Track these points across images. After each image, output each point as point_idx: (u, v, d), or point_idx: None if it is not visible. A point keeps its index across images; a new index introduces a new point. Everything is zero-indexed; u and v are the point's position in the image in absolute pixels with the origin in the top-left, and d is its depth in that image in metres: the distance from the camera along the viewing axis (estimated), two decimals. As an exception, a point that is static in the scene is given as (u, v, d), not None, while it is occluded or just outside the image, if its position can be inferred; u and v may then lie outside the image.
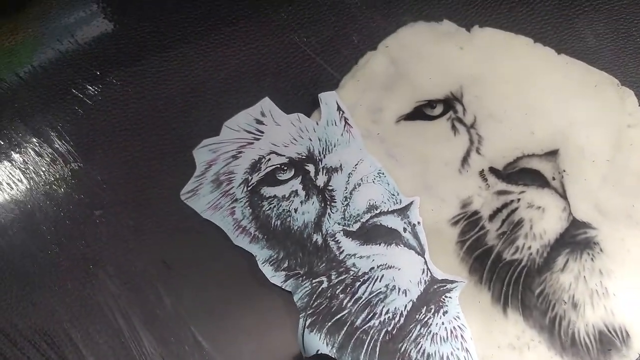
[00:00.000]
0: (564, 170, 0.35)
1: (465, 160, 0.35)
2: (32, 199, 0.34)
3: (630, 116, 0.36)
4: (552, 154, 0.35)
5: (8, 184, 0.34)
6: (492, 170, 0.35)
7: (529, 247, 0.33)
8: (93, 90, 0.36)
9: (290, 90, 0.37)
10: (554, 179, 0.35)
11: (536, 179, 0.35)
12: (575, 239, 0.34)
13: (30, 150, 0.35)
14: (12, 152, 0.35)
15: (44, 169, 0.35)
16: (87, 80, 0.36)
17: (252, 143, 0.35)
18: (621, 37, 0.38)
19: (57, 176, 0.35)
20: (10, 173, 0.35)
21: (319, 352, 0.32)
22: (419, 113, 0.36)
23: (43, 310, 0.32)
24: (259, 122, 0.36)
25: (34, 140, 0.35)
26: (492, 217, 0.34)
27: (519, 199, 0.34)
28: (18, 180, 0.35)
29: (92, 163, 0.35)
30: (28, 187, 0.34)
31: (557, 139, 0.35)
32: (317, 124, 0.36)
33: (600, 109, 0.36)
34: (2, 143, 0.35)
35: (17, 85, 0.36)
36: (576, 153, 0.35)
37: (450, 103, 0.36)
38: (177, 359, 0.32)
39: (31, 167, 0.35)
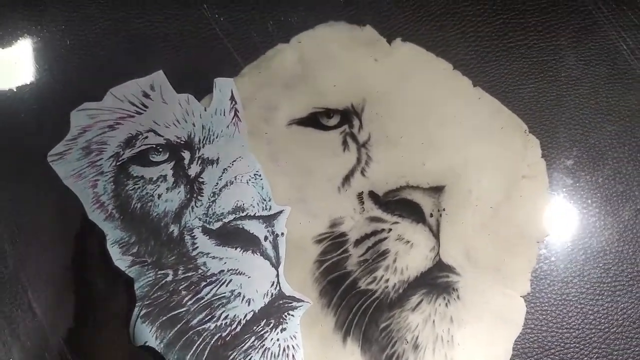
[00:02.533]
0: (444, 209, 0.34)
1: (347, 179, 0.34)
2: None
3: (528, 167, 0.35)
4: (437, 189, 0.34)
5: None
6: (372, 194, 0.34)
7: (387, 280, 0.33)
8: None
9: (187, 67, 0.35)
10: (431, 215, 0.34)
11: (413, 212, 0.34)
12: (436, 281, 0.33)
13: None
14: None
15: None
16: None
17: (133, 116, 0.34)
18: (541, 83, 0.37)
19: None
20: None
21: (147, 344, 0.31)
22: (314, 120, 0.35)
23: None
24: (146, 95, 0.34)
25: None
26: (358, 243, 0.33)
27: (390, 229, 0.33)
28: None
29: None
30: None
31: (447, 175, 0.34)
32: (205, 109, 0.34)
33: (500, 154, 0.35)
34: None
35: None
36: (461, 194, 0.34)
37: (348, 116, 0.35)
38: (7, 320, 0.32)
39: None
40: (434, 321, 0.33)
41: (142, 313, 0.31)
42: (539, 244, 0.35)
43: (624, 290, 0.35)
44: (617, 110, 0.37)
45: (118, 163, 0.33)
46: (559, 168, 0.36)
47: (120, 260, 0.32)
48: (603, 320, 0.34)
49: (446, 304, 0.33)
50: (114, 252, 0.32)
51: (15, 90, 0.34)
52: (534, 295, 0.34)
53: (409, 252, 0.33)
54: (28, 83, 0.35)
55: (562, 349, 0.34)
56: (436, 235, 0.33)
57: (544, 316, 0.34)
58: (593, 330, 0.34)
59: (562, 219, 0.35)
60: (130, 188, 0.33)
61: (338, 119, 0.35)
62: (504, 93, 0.36)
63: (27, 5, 0.35)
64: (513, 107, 0.36)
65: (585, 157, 0.36)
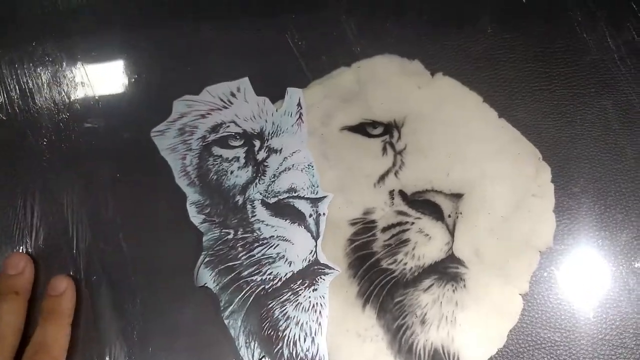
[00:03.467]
0: (461, 213, 0.40)
1: (382, 178, 0.41)
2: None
3: (538, 187, 0.41)
4: (457, 196, 0.41)
5: None
6: (401, 193, 0.41)
7: (405, 263, 0.39)
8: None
9: (267, 76, 0.44)
10: (449, 216, 0.40)
11: (435, 211, 0.40)
12: (447, 270, 0.39)
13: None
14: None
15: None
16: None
17: (220, 110, 0.43)
18: (559, 123, 0.43)
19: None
20: None
21: (206, 285, 0.39)
22: (361, 129, 0.42)
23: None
24: (233, 95, 0.43)
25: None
26: (385, 230, 0.40)
27: (413, 222, 0.40)
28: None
29: (94, 84, 0.44)
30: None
31: (466, 185, 0.41)
32: (277, 110, 0.43)
33: (514, 174, 0.41)
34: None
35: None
36: (477, 202, 0.40)
37: (389, 128, 0.42)
38: (100, 254, 0.40)
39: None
40: (441, 303, 0.39)
41: (205, 260, 0.39)
42: (541, 254, 0.40)
43: (614, 304, 0.40)
44: (623, 152, 0.42)
45: (204, 143, 0.42)
46: (566, 193, 0.42)
47: (195, 217, 0.40)
48: (592, 327, 0.39)
49: (453, 290, 0.39)
50: (191, 210, 0.40)
51: (133, 81, 0.44)
52: (532, 296, 0.40)
53: (427, 243, 0.40)
54: (143, 77, 0.44)
55: (553, 345, 0.39)
56: (452, 232, 0.40)
57: (539, 315, 0.39)
58: (582, 334, 0.39)
59: (564, 236, 0.41)
60: (210, 163, 0.41)
61: (381, 130, 0.42)
62: (524, 127, 0.43)
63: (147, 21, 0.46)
64: (531, 139, 0.42)
65: (590, 187, 0.42)
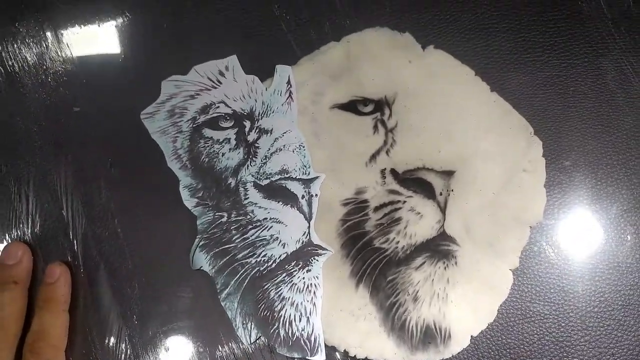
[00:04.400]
0: (452, 190, 0.40)
1: (374, 157, 0.41)
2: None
3: (529, 163, 0.41)
4: (448, 173, 0.41)
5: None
6: (393, 171, 0.41)
7: (397, 242, 0.40)
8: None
9: (255, 54, 0.43)
10: (441, 194, 0.40)
11: (426, 189, 0.40)
12: (438, 247, 0.40)
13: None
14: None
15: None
16: None
17: (209, 90, 0.42)
18: (551, 94, 0.42)
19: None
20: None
21: (202, 269, 0.40)
22: (352, 106, 0.42)
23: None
24: (221, 74, 0.42)
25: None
26: (377, 209, 0.40)
27: (404, 201, 0.40)
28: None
29: (80, 66, 0.43)
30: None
31: (457, 162, 0.41)
32: (266, 89, 0.42)
33: (505, 149, 0.41)
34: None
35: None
36: (468, 179, 0.41)
37: (381, 105, 0.42)
38: (96, 239, 0.41)
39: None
40: (432, 280, 0.39)
41: (200, 244, 0.40)
42: (531, 229, 0.41)
43: (604, 277, 0.41)
44: (616, 125, 0.42)
45: (194, 125, 0.42)
46: (557, 167, 0.42)
47: (188, 201, 0.40)
48: (581, 300, 0.40)
49: (445, 268, 0.40)
50: (184, 194, 0.41)
51: (119, 62, 0.43)
52: (522, 271, 0.41)
53: (418, 221, 0.40)
54: (130, 58, 0.44)
55: (542, 318, 0.40)
56: (443, 210, 0.40)
57: (528, 289, 0.40)
58: (571, 307, 0.40)
59: (555, 210, 0.41)
60: (202, 146, 0.41)
61: (372, 107, 0.42)
62: (516, 100, 0.42)
63: None
64: (523, 112, 0.42)
65: (582, 160, 0.42)
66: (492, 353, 0.40)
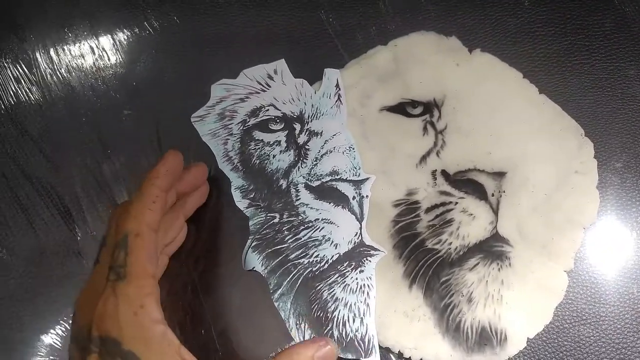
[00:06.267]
0: (504, 191, 0.40)
1: (424, 158, 0.41)
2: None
3: (581, 164, 0.41)
4: (500, 174, 0.41)
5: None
6: (444, 173, 0.41)
7: (450, 243, 0.40)
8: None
9: (303, 58, 0.44)
10: (492, 195, 0.40)
11: (478, 191, 0.40)
12: (492, 249, 0.39)
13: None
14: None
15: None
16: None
17: (258, 93, 0.42)
18: (600, 96, 0.42)
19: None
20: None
21: (254, 269, 0.39)
22: (401, 109, 0.42)
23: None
24: (270, 77, 0.43)
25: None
26: (428, 210, 0.40)
27: (456, 202, 0.40)
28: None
29: (130, 70, 0.44)
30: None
31: (508, 163, 0.41)
32: (315, 92, 0.42)
33: (557, 151, 0.41)
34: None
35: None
36: (520, 180, 0.40)
37: (430, 107, 0.42)
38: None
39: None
40: (487, 281, 0.39)
41: (253, 244, 0.40)
42: (585, 230, 0.40)
43: (658, 279, 0.40)
44: (666, 125, 0.42)
45: (244, 128, 0.42)
46: (608, 169, 0.42)
47: (240, 202, 0.40)
48: (637, 302, 0.40)
49: (499, 269, 0.39)
50: (236, 195, 0.41)
51: (169, 66, 0.44)
52: (576, 272, 0.40)
53: (471, 223, 0.40)
54: (179, 62, 0.44)
55: (597, 320, 0.39)
56: (495, 211, 0.40)
57: (584, 291, 0.40)
58: (627, 309, 0.40)
59: (608, 212, 0.41)
60: (252, 148, 0.41)
61: (421, 109, 0.42)
62: (565, 102, 0.42)
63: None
64: (573, 114, 0.42)
65: (633, 162, 0.42)
66: (549, 355, 0.39)
